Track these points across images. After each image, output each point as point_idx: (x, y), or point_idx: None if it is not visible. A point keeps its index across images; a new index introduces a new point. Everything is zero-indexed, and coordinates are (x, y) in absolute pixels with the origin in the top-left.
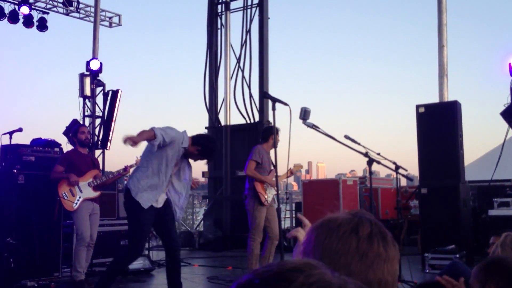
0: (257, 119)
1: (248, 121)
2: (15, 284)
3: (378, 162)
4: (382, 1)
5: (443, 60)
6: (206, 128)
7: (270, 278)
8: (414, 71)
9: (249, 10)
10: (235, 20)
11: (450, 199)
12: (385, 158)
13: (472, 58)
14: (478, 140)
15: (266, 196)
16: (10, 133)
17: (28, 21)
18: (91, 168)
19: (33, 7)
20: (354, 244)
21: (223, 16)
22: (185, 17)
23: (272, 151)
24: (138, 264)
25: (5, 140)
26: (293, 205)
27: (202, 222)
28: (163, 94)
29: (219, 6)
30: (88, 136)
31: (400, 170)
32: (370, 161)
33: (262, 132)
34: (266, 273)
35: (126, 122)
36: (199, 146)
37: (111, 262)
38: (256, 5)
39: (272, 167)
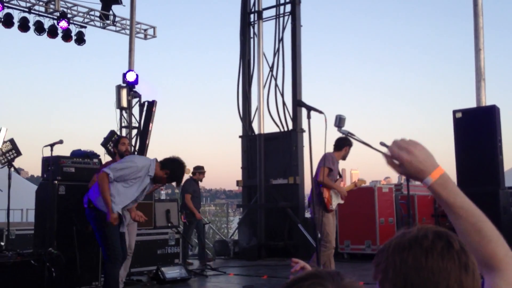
0: (290, 127)
1: (282, 129)
2: None
3: None
4: (417, 6)
5: (480, 64)
6: (240, 137)
7: None
8: (450, 75)
9: (281, 19)
10: (268, 29)
11: (490, 206)
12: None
13: (510, 61)
14: None
15: (331, 203)
16: (51, 145)
17: (66, 36)
18: None
19: (71, 21)
20: (456, 258)
21: (256, 25)
22: (218, 27)
23: (307, 159)
24: (175, 273)
25: (47, 152)
26: None
27: (236, 231)
28: (197, 103)
29: (252, 16)
30: (128, 148)
31: None
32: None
33: (337, 141)
34: (284, 284)
35: (162, 132)
36: (168, 170)
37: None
38: (288, 13)
39: (338, 177)
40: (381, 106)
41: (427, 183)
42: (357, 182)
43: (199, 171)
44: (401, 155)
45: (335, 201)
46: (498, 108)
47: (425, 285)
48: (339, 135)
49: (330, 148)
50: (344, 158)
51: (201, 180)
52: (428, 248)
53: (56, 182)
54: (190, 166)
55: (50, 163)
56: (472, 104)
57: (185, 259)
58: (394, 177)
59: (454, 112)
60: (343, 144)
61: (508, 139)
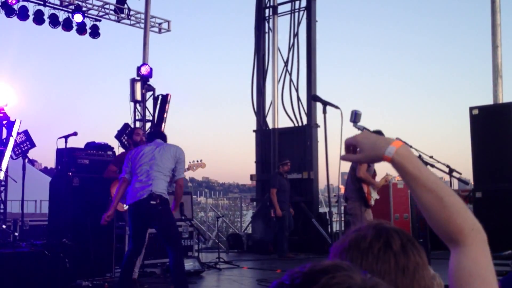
0: (305, 122)
1: (296, 124)
2: (70, 283)
3: (432, 166)
4: (435, 2)
5: (497, 60)
6: (254, 131)
7: (298, 279)
8: (467, 72)
9: (296, 14)
10: (283, 24)
11: (506, 203)
12: (438, 161)
13: None
14: None
15: (372, 198)
16: (66, 137)
17: (81, 29)
18: None
19: (86, 15)
20: (393, 261)
21: (271, 20)
22: (233, 22)
23: (323, 154)
24: (188, 265)
25: (61, 144)
26: (342, 208)
27: (250, 225)
28: (212, 97)
29: (267, 10)
30: (143, 138)
31: (454, 174)
32: (424, 165)
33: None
34: (296, 273)
35: (175, 126)
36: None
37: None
38: (304, 9)
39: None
40: (397, 102)
41: (390, 153)
42: (387, 176)
43: (282, 163)
44: (353, 137)
45: (374, 196)
46: None
47: None
48: (355, 130)
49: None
50: None
51: (287, 172)
52: (364, 250)
53: (70, 174)
54: (206, 161)
55: (65, 155)
56: (489, 101)
57: (282, 254)
58: None
59: (471, 108)
60: None
61: None
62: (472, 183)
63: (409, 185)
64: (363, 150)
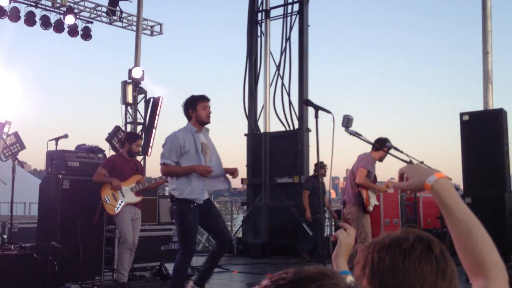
0: (296, 126)
1: (288, 128)
2: (59, 286)
3: None
4: (425, 8)
5: (488, 67)
6: (245, 135)
7: (284, 286)
8: (458, 78)
9: (289, 18)
10: (275, 28)
11: (495, 209)
12: (429, 167)
13: None
14: None
15: (370, 204)
16: (56, 139)
17: (73, 31)
18: (135, 173)
19: (77, 17)
20: (434, 263)
21: (263, 24)
22: (225, 26)
23: (314, 158)
24: None
25: (51, 146)
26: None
27: (240, 229)
28: None
29: (259, 14)
30: (140, 150)
31: None
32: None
33: (376, 141)
34: (281, 280)
35: (166, 129)
36: None
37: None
38: (296, 13)
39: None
40: (389, 107)
41: (431, 181)
42: (389, 183)
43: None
44: (405, 167)
45: (373, 202)
46: (506, 111)
47: (399, 287)
48: (347, 135)
49: (337, 148)
50: (381, 159)
51: (324, 175)
52: (407, 249)
53: (60, 176)
54: None
55: (55, 157)
56: (479, 107)
57: (319, 259)
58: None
59: (461, 114)
60: (382, 144)
61: None
62: (462, 188)
63: (444, 213)
64: (411, 178)
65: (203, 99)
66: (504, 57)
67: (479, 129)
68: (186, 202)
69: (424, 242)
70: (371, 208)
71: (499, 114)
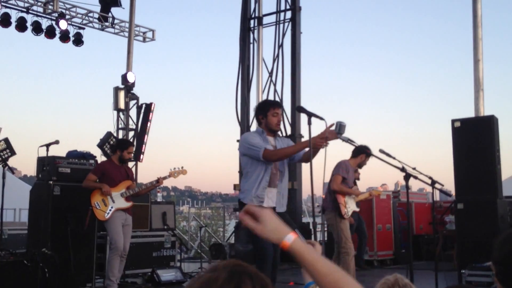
0: (289, 132)
1: (280, 135)
2: None
3: (416, 177)
4: (417, 16)
5: (479, 74)
6: (237, 141)
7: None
8: (449, 85)
9: (281, 25)
10: (268, 35)
11: (487, 215)
12: (421, 173)
13: (508, 72)
14: None
15: (346, 209)
16: (47, 145)
17: (64, 36)
18: (125, 179)
19: (69, 23)
20: None
21: (256, 31)
22: (218, 32)
23: (306, 164)
24: (170, 275)
25: (42, 152)
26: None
27: (233, 235)
28: (195, 107)
29: (252, 21)
30: (131, 157)
31: (436, 185)
32: (407, 176)
33: (355, 148)
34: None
35: (159, 135)
36: None
37: None
38: (288, 20)
39: (353, 185)
40: (380, 114)
41: (290, 240)
42: (373, 191)
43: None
44: (258, 210)
45: (352, 208)
46: (497, 118)
47: None
48: (340, 142)
49: (330, 155)
50: (360, 166)
51: (358, 179)
52: None
53: (51, 182)
54: (190, 170)
55: (46, 163)
56: (470, 114)
57: (359, 263)
58: (391, 184)
59: (453, 121)
60: (359, 152)
61: (506, 149)
62: (454, 194)
63: (309, 271)
64: (264, 226)
65: (275, 105)
66: (495, 65)
67: (470, 135)
68: None
69: (234, 282)
70: (348, 214)
71: (490, 120)
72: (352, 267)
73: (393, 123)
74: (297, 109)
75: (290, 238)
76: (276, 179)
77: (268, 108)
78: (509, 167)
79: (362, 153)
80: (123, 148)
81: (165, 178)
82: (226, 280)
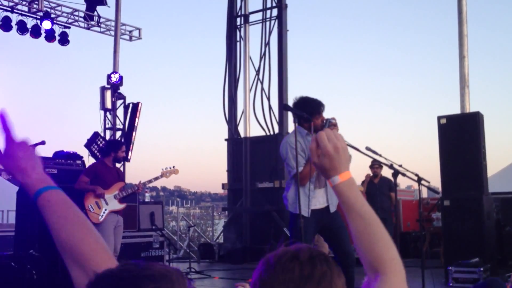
0: (276, 131)
1: (268, 133)
2: None
3: (403, 174)
4: (402, 13)
5: (464, 71)
6: (225, 140)
7: (123, 281)
8: (435, 82)
9: (268, 23)
10: (254, 33)
11: (474, 211)
12: (407, 170)
13: (494, 68)
14: (502, 151)
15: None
16: (33, 146)
17: (50, 36)
18: (117, 180)
19: (55, 22)
20: (297, 269)
21: (242, 29)
22: (204, 31)
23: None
24: None
25: None
26: None
27: (221, 234)
28: (183, 106)
29: (238, 19)
30: (124, 155)
31: (423, 182)
32: (396, 173)
33: None
34: (124, 272)
35: (146, 134)
36: None
37: None
38: (274, 18)
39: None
40: (366, 111)
41: (334, 181)
42: (359, 189)
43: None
44: (328, 149)
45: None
46: (482, 114)
47: None
48: None
49: None
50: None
51: (376, 175)
52: (273, 262)
53: None
54: (180, 167)
55: None
56: (456, 110)
57: (168, 262)
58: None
59: (439, 118)
60: None
61: (491, 145)
62: (441, 191)
63: (344, 209)
64: (325, 160)
65: (323, 106)
66: (480, 61)
67: (456, 132)
68: None
69: (291, 251)
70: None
71: (476, 117)
72: None
73: (379, 120)
74: (283, 107)
75: (334, 181)
76: (322, 178)
77: (318, 110)
78: (495, 164)
79: None
80: (116, 149)
81: (157, 178)
82: (284, 250)
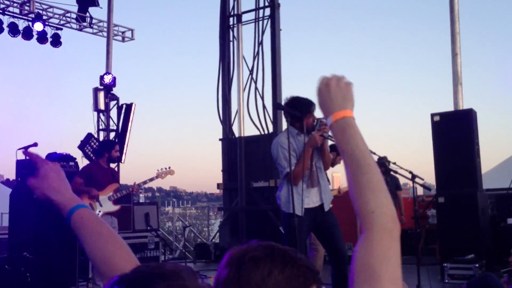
0: (271, 130)
1: (262, 132)
2: None
3: (396, 172)
4: (395, 11)
5: (457, 68)
6: (220, 139)
7: (136, 281)
8: (428, 79)
9: (260, 22)
10: (247, 32)
11: (468, 208)
12: (401, 167)
13: (486, 65)
14: (495, 147)
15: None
16: (26, 148)
17: (42, 38)
18: (111, 181)
19: (46, 23)
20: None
21: (235, 29)
22: (197, 31)
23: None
24: None
25: (21, 155)
26: None
27: (217, 234)
28: (177, 106)
29: (231, 19)
30: (118, 154)
31: (417, 179)
32: (388, 171)
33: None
34: (136, 273)
35: (140, 135)
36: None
37: None
38: (267, 17)
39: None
40: (361, 110)
41: (328, 123)
42: (342, 188)
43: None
44: (320, 83)
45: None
46: (475, 111)
47: None
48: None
49: None
50: (332, 165)
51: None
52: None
53: None
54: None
55: (25, 167)
56: (449, 107)
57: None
58: None
59: (432, 115)
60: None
61: (485, 142)
62: (435, 188)
63: (340, 152)
64: (318, 96)
65: (314, 105)
66: (472, 59)
67: (450, 129)
68: None
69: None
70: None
71: (469, 114)
72: (318, 264)
73: (372, 117)
74: (276, 106)
75: (329, 122)
76: (315, 177)
77: (309, 109)
78: (489, 160)
79: (332, 150)
80: (110, 149)
81: (152, 179)
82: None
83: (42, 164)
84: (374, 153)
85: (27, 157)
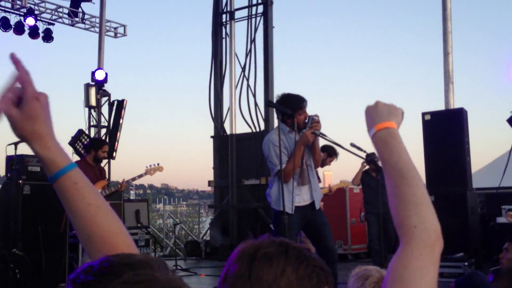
0: (262, 127)
1: (254, 130)
2: None
3: None
4: (386, 9)
5: (449, 67)
6: (211, 137)
7: (103, 270)
8: (419, 78)
9: (253, 20)
10: (240, 30)
11: (458, 207)
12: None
13: (478, 65)
14: (485, 147)
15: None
16: (15, 144)
17: (33, 33)
18: (99, 179)
19: (38, 18)
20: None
21: (228, 26)
22: (190, 27)
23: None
24: None
25: (10, 151)
26: None
27: (208, 231)
28: (168, 103)
29: (224, 16)
30: (106, 156)
31: None
32: (379, 168)
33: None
34: (104, 263)
35: (131, 132)
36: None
37: None
38: (260, 14)
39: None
40: (352, 108)
41: (370, 134)
42: (332, 186)
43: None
44: (370, 104)
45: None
46: (466, 111)
47: None
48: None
49: None
50: (322, 165)
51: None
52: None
53: (20, 181)
54: (165, 167)
55: (14, 162)
56: (440, 106)
57: None
58: None
59: (423, 114)
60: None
61: (475, 141)
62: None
63: (382, 165)
64: (366, 112)
65: (305, 102)
66: (464, 58)
67: (440, 128)
68: None
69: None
70: None
71: (460, 113)
72: None
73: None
74: (267, 104)
75: (371, 133)
76: (306, 175)
77: (300, 105)
78: (479, 159)
79: (323, 151)
80: (97, 147)
81: (141, 176)
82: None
83: (31, 96)
84: (365, 152)
85: (14, 65)
